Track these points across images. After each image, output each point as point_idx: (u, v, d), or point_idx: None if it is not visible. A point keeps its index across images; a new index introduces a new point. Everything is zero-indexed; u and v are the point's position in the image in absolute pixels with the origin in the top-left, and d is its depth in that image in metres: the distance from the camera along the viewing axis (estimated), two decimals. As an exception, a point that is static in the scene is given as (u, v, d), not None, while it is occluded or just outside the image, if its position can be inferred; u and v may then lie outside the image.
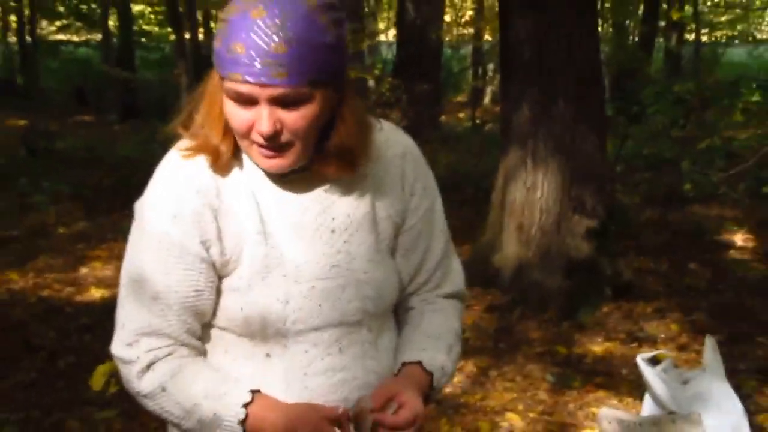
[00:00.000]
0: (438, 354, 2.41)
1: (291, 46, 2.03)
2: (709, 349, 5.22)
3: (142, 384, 2.28)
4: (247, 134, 2.16)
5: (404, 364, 2.37)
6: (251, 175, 2.29)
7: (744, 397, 5.43)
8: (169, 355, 2.27)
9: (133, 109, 24.25)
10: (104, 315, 7.71)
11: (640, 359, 5.27)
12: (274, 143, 2.15)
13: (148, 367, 2.26)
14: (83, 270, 9.33)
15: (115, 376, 2.29)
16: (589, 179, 7.86)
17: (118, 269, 7.77)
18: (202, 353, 2.36)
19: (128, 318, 2.28)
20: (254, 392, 2.23)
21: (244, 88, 2.08)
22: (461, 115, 24.51)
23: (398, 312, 2.56)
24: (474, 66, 27.98)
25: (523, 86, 7.97)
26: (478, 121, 21.51)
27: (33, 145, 16.82)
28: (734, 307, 7.78)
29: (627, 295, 7.85)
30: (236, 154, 2.27)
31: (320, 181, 2.31)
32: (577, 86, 7.81)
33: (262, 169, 2.27)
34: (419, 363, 2.36)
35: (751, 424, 5.20)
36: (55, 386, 6.42)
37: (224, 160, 2.24)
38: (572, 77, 7.80)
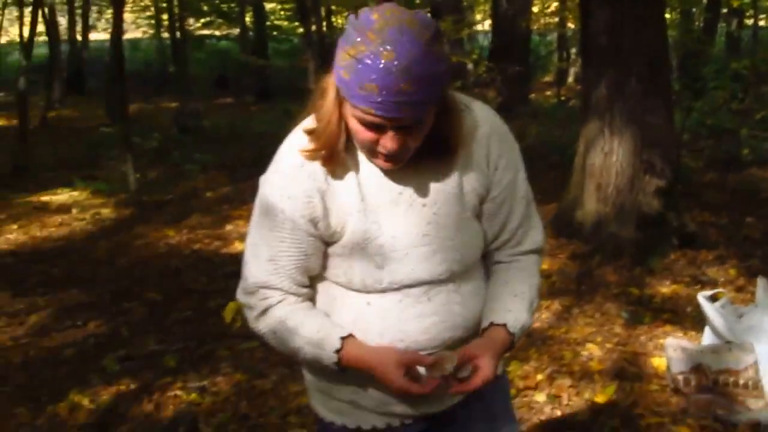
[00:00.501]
0: (521, 314, 2.45)
1: (416, 84, 2.03)
2: (762, 288, 5.22)
3: (259, 326, 2.44)
4: (371, 147, 2.21)
5: (492, 324, 2.42)
6: (356, 162, 2.33)
7: (793, 331, 5.42)
8: (280, 302, 2.39)
9: (267, 91, 24.46)
10: (247, 263, 7.87)
11: (701, 297, 5.30)
12: (397, 155, 2.21)
13: (263, 312, 2.40)
14: (228, 227, 9.53)
15: (241, 313, 2.45)
16: (658, 145, 7.81)
17: (258, 225, 7.73)
18: (310, 298, 2.46)
19: (250, 272, 2.40)
20: (344, 338, 2.33)
21: (376, 120, 2.11)
22: (548, 93, 24.26)
23: (486, 262, 2.59)
24: (559, 50, 27.69)
25: (600, 68, 7.94)
26: (562, 98, 21.30)
27: (183, 124, 17.09)
28: (785, 255, 7.72)
29: (691, 244, 7.77)
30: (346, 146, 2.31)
31: (417, 165, 2.33)
32: (648, 67, 7.76)
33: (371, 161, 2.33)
34: (504, 325, 2.41)
35: (798, 354, 5.21)
36: (206, 322, 6.59)
37: (339, 158, 2.29)
38: (643, 60, 7.75)
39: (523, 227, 2.53)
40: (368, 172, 2.33)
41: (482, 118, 2.41)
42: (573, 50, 26.03)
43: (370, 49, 2.03)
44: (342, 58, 2.10)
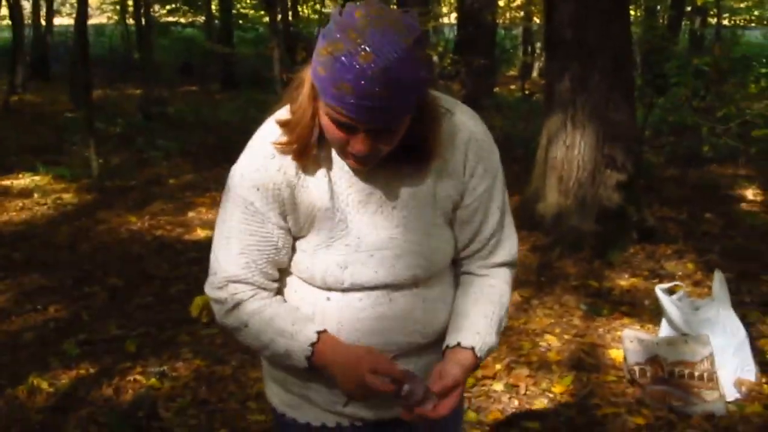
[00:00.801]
0: (489, 337, 2.39)
1: (391, 90, 1.95)
2: (718, 281, 5.29)
3: (228, 320, 2.37)
4: (341, 146, 2.14)
5: (459, 345, 2.35)
6: (329, 158, 2.28)
7: (748, 326, 5.49)
8: (252, 297, 2.33)
9: (232, 80, 24.38)
10: (209, 251, 7.86)
11: (659, 289, 5.36)
12: (366, 157, 2.14)
13: (235, 306, 2.33)
14: (191, 214, 9.49)
15: (208, 308, 2.31)
16: (619, 140, 7.87)
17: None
18: (280, 292, 2.41)
19: (219, 267, 2.33)
20: (320, 333, 2.29)
21: (346, 120, 2.03)
22: (512, 86, 24.34)
23: (456, 270, 2.53)
24: (524, 44, 27.82)
25: (564, 62, 8.00)
26: (527, 92, 21.37)
27: (148, 110, 16.99)
28: (743, 251, 7.77)
29: (650, 238, 7.85)
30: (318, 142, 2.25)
31: (391, 166, 2.26)
32: (611, 62, 7.83)
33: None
34: (472, 348, 2.34)
35: (753, 348, 5.29)
36: (168, 308, 6.60)
37: (311, 153, 2.23)
38: (607, 55, 7.82)
39: (496, 237, 2.45)
40: (340, 169, 2.29)
41: (463, 123, 2.34)
42: (538, 44, 26.14)
43: (348, 48, 1.94)
44: (320, 53, 2.02)
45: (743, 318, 5.44)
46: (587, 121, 7.78)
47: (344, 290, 2.32)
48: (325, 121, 2.11)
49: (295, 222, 2.30)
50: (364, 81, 1.93)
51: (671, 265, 7.35)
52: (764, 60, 16.06)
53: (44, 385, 5.28)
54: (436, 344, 2.43)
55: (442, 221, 2.37)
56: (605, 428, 4.75)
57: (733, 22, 29.56)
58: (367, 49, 1.93)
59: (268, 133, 2.27)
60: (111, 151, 12.98)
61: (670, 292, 5.38)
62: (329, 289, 2.33)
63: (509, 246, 2.50)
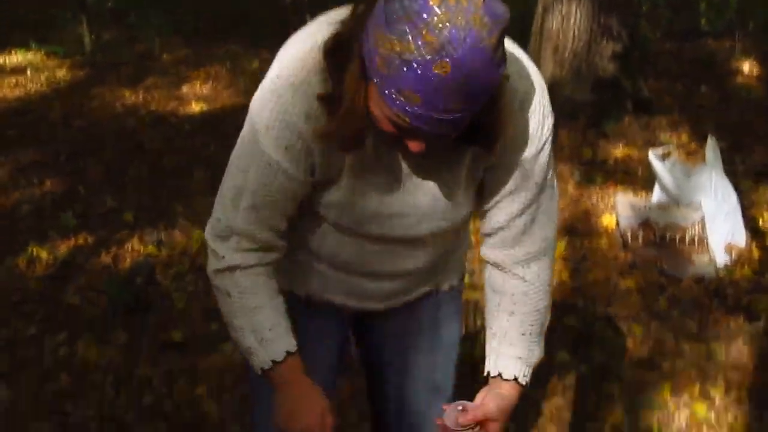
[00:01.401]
0: (532, 355, 2.20)
1: (467, 102, 1.65)
2: (711, 147, 5.34)
3: (216, 279, 2.16)
4: (392, 139, 1.84)
5: (501, 376, 2.18)
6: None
7: (740, 193, 5.55)
8: (249, 268, 2.12)
9: (225, -46, 24.09)
10: (203, 124, 7.97)
11: (652, 154, 5.41)
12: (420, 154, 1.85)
13: (228, 269, 2.12)
14: (185, 88, 9.43)
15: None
16: (616, 10, 7.83)
17: (214, 88, 7.82)
18: (284, 252, 2.19)
19: (225, 215, 2.09)
20: (290, 354, 2.12)
21: (408, 127, 1.73)
22: (509, -38, 24.16)
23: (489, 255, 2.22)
24: None
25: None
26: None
27: (139, -15, 16.83)
28: (737, 122, 7.78)
29: (645, 109, 7.87)
30: None
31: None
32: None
33: None
34: (515, 379, 2.17)
35: (745, 216, 5.36)
36: (164, 182, 6.66)
37: (360, 141, 1.92)
38: None
39: (529, 215, 2.12)
40: (374, 135, 1.92)
41: (519, 87, 1.99)
42: None
43: (421, 52, 1.58)
44: (380, 41, 1.65)
45: (736, 186, 5.49)
46: (583, -9, 7.75)
47: (353, 234, 2.17)
48: (377, 113, 1.79)
49: (323, 174, 2.02)
50: (437, 95, 1.63)
51: (665, 135, 7.37)
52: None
53: (43, 254, 5.37)
54: (436, 266, 2.35)
55: (472, 189, 2.13)
56: (597, 291, 4.85)
57: None
58: (446, 58, 1.58)
59: (304, 82, 1.90)
60: (103, 26, 12.89)
61: (663, 157, 5.43)
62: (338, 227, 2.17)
63: (546, 228, 2.18)
